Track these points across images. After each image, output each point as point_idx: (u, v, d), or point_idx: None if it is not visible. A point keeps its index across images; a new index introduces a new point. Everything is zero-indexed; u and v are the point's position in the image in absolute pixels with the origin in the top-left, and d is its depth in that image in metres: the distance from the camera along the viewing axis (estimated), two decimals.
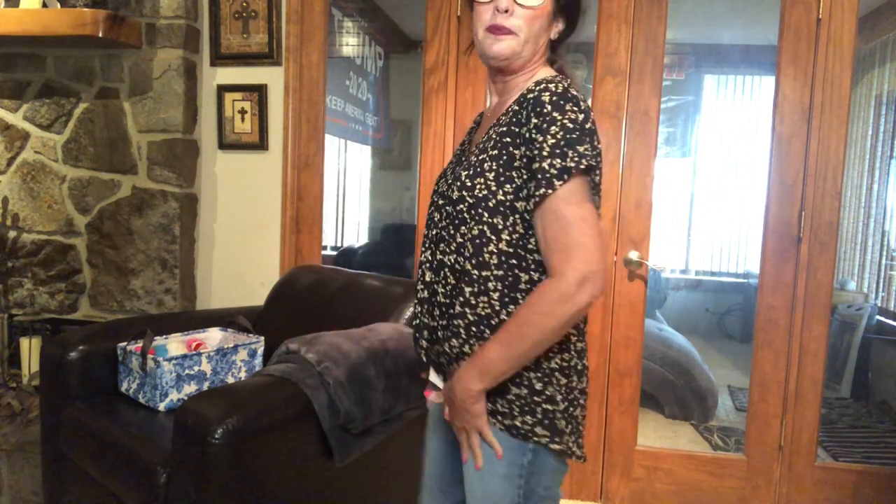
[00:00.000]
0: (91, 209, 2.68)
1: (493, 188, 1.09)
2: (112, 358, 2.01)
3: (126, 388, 1.98)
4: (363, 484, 1.78)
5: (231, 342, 2.13)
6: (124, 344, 1.97)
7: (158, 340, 2.02)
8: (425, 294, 1.21)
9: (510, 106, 1.15)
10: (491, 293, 1.10)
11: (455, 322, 1.13)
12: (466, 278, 1.12)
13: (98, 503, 1.85)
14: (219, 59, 2.68)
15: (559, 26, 1.18)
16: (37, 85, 2.69)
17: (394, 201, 4.48)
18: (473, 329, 1.11)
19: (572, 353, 1.13)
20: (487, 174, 1.10)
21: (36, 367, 2.52)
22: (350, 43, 3.61)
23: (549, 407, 1.10)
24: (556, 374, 1.11)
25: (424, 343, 1.23)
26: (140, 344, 1.93)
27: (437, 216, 1.21)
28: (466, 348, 1.12)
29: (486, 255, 1.10)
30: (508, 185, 1.09)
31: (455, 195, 1.14)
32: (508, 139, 1.10)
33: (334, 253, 4.17)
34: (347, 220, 4.34)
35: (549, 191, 1.03)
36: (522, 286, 1.10)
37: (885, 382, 3.59)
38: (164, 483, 1.54)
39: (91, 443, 1.82)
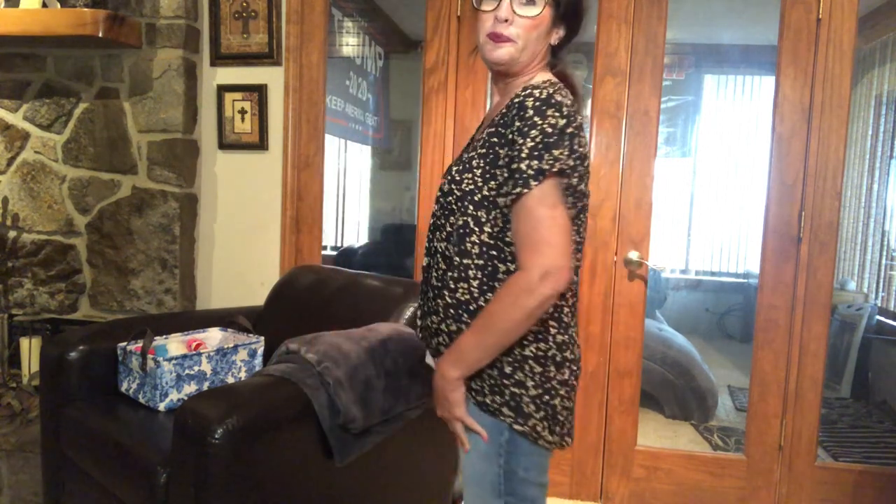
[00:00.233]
0: (91, 209, 2.68)
1: (479, 184, 1.18)
2: (112, 358, 2.01)
3: (126, 388, 1.98)
4: (363, 484, 1.78)
5: (231, 342, 2.13)
6: (124, 344, 1.97)
7: (158, 340, 2.02)
8: (423, 276, 1.32)
9: (502, 108, 1.22)
10: (471, 280, 1.20)
11: (436, 301, 1.25)
12: (451, 264, 1.22)
13: (98, 503, 1.85)
14: (219, 59, 2.68)
15: (560, 33, 1.25)
16: (37, 85, 2.69)
17: (394, 201, 4.48)
18: (451, 311, 1.22)
19: (550, 343, 1.20)
20: (475, 170, 1.20)
21: (36, 367, 2.52)
22: (350, 43, 3.62)
23: (517, 391, 1.18)
24: (530, 361, 1.18)
25: (419, 322, 1.34)
26: (140, 344, 1.93)
27: (435, 206, 1.31)
28: (443, 326, 1.24)
29: (469, 245, 1.20)
30: (493, 182, 1.17)
31: (446, 188, 1.25)
32: (496, 139, 1.18)
33: (334, 253, 4.17)
34: (347, 220, 4.34)
35: (525, 190, 1.11)
36: (500, 276, 1.19)
37: (885, 382, 3.59)
38: (164, 483, 1.54)
39: (91, 443, 1.82)
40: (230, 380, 2.03)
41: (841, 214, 2.40)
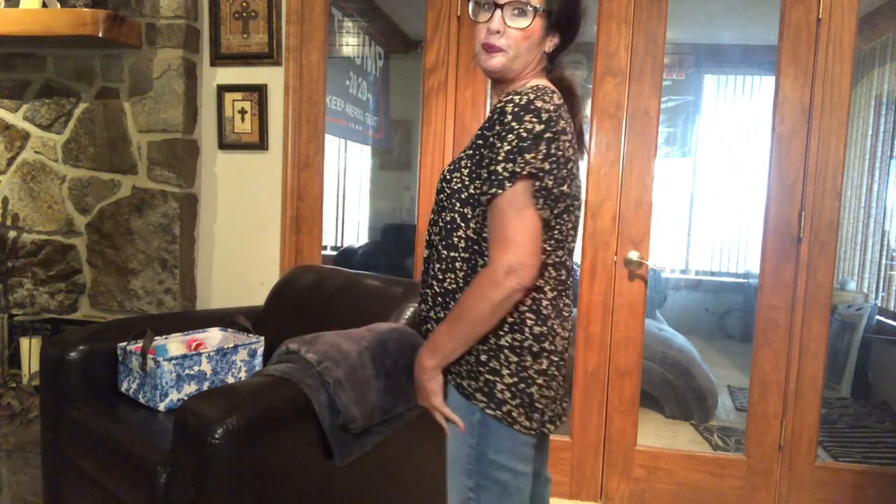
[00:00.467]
0: (91, 209, 2.68)
1: (466, 182, 1.26)
2: (112, 358, 2.01)
3: (126, 388, 1.98)
4: (363, 484, 1.78)
5: (231, 342, 2.13)
6: (124, 344, 1.97)
7: (158, 340, 2.02)
8: (423, 267, 1.39)
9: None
10: (457, 271, 1.28)
11: (426, 290, 1.35)
12: (440, 256, 1.31)
13: (98, 503, 1.85)
14: (219, 59, 2.68)
15: (554, 41, 1.30)
16: (37, 85, 2.69)
17: (394, 201, 4.48)
18: (439, 299, 1.31)
19: (526, 335, 1.24)
20: (463, 170, 1.28)
21: (36, 367, 2.52)
22: (350, 43, 3.62)
23: (491, 378, 1.24)
24: (506, 350, 1.24)
25: (422, 308, 1.40)
26: (140, 344, 1.93)
27: (434, 203, 1.38)
28: (432, 314, 1.33)
29: (455, 239, 1.28)
30: (478, 182, 1.24)
31: (440, 185, 1.33)
32: (481, 142, 1.24)
33: (334, 253, 4.18)
34: (347, 220, 4.34)
35: (499, 191, 1.18)
36: (481, 269, 1.25)
37: (885, 382, 3.59)
38: (164, 483, 1.54)
39: (91, 443, 1.82)
40: (230, 380, 2.03)
41: (841, 214, 2.40)
